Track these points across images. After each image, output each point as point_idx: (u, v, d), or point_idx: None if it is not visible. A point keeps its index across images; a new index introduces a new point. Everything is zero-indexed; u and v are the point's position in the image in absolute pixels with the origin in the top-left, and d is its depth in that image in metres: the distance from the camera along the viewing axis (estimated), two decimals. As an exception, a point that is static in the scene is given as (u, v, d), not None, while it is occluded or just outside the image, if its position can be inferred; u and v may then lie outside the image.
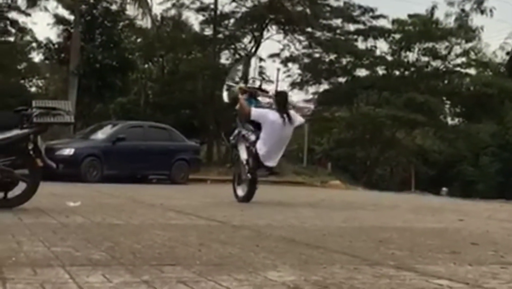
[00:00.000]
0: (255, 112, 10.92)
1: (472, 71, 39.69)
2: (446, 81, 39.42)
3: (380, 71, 38.53)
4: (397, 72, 38.62)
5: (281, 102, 11.01)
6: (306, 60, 36.35)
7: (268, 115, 10.80)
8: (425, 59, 37.71)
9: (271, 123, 10.68)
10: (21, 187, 7.78)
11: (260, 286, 3.48)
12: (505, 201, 18.40)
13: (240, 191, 11.18)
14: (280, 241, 5.60)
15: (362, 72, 38.29)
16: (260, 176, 11.07)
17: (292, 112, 11.19)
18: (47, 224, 6.23)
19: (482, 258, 4.90)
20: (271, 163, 10.91)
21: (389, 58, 37.78)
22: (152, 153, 20.20)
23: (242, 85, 11.89)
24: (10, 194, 7.75)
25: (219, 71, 32.89)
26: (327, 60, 36.24)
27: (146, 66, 36.85)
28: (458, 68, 38.59)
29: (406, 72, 38.28)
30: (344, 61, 36.63)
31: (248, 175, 10.76)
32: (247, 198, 10.83)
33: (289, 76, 37.62)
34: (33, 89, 37.62)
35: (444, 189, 27.40)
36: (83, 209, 8.10)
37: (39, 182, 7.85)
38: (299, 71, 37.23)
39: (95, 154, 19.21)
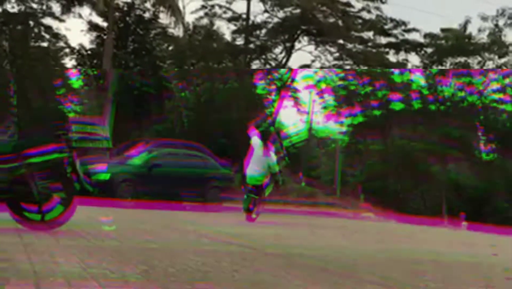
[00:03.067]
0: (253, 141, 14.09)
1: (509, 107, 39.31)
2: (482, 117, 39.08)
3: (416, 104, 38.33)
4: (433, 106, 38.38)
5: (265, 140, 14.10)
6: (342, 92, 36.35)
7: (256, 146, 13.93)
8: (461, 94, 37.46)
9: (255, 151, 13.88)
10: (59, 209, 7.88)
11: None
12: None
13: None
14: (312, 269, 5.62)
15: (397, 105, 38.11)
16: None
17: (273, 154, 13.91)
18: (83, 246, 6.32)
19: (516, 292, 4.87)
20: (250, 173, 13.91)
21: (425, 91, 37.56)
22: (186, 179, 20.26)
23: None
24: (48, 216, 7.84)
25: (254, 98, 33.05)
26: (362, 92, 36.18)
27: (182, 94, 37.09)
28: (494, 104, 38.23)
29: (442, 107, 38.04)
30: (380, 93, 36.53)
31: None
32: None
33: (325, 108, 37.66)
34: (71, 115, 37.99)
35: (464, 223, 27.10)
36: (118, 232, 8.19)
37: (76, 205, 7.95)
38: (334, 103, 37.23)
39: (130, 180, 19.36)
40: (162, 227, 10.47)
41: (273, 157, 13.90)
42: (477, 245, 10.90)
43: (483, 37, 36.70)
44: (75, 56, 31.62)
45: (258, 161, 13.74)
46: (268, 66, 34.74)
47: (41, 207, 7.70)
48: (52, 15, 32.28)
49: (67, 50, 34.07)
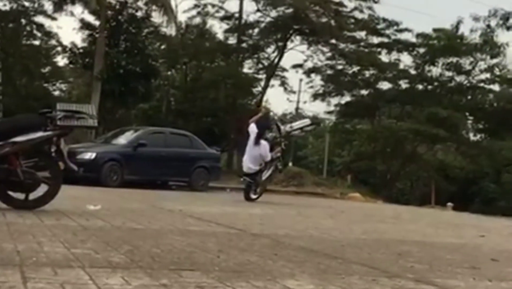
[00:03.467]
0: (251, 128, 14.73)
1: (496, 87, 39.42)
2: (469, 97, 39.18)
3: (403, 84, 38.39)
4: (420, 86, 38.45)
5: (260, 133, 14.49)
6: (329, 72, 36.37)
7: (251, 136, 14.51)
8: (449, 74, 37.54)
9: (250, 142, 14.48)
10: (42, 189, 7.82)
11: (279, 294, 3.48)
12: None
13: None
14: (299, 250, 5.59)
15: (385, 85, 38.20)
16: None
17: (263, 143, 14.35)
18: (67, 226, 6.26)
19: (502, 274, 4.86)
20: (246, 166, 14.50)
21: (413, 72, 37.63)
22: (172, 160, 20.25)
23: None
24: (32, 196, 7.79)
25: (242, 80, 33.02)
26: (350, 72, 36.22)
27: (169, 73, 37.02)
28: (482, 84, 38.34)
29: (429, 87, 38.11)
30: (367, 73, 36.57)
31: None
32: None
33: (311, 87, 37.70)
34: (56, 93, 37.84)
35: (449, 204, 27.32)
36: (103, 212, 8.14)
37: (61, 184, 7.89)
38: (321, 83, 37.27)
39: (116, 159, 19.28)
40: (148, 206, 10.44)
41: (265, 146, 14.37)
42: (464, 226, 10.93)
43: (475, 38, 36.82)
44: (67, 54, 31.47)
45: (251, 153, 14.47)
46: (260, 66, 34.71)
47: (25, 186, 7.64)
48: (44, 13, 32.21)
49: (59, 48, 34.04)
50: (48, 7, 31.21)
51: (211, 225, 7.56)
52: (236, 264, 4.48)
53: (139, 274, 3.75)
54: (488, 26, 36.52)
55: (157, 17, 29.44)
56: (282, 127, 15.15)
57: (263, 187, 14.88)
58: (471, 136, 43.00)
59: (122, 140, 20.59)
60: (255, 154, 14.44)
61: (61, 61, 34.77)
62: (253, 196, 14.56)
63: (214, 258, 4.64)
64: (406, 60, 37.45)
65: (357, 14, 33.93)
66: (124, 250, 4.75)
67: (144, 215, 8.27)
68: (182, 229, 6.76)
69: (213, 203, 13.26)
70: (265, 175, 14.57)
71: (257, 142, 14.45)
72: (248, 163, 14.52)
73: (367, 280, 4.10)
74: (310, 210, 12.88)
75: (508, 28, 36.26)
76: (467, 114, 39.38)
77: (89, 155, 19.03)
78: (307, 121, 16.02)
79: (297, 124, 15.82)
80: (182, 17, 42.22)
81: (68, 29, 66.97)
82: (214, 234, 6.49)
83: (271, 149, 14.61)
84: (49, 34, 33.89)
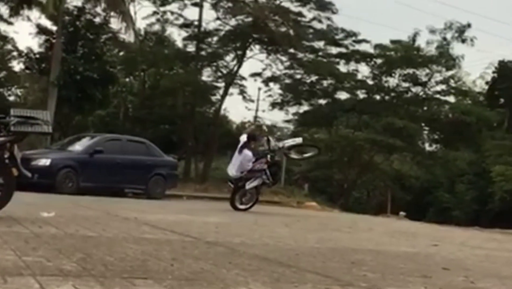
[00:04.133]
0: (241, 137, 15.45)
1: (451, 98, 40.04)
2: (425, 108, 39.71)
3: (361, 94, 38.75)
4: (377, 97, 38.84)
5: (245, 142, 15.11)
6: (287, 81, 36.52)
7: (238, 146, 15.17)
8: (406, 85, 38.00)
9: (236, 150, 15.21)
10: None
11: (230, 302, 3.48)
12: (479, 228, 18.53)
13: None
14: (253, 259, 5.59)
15: (342, 95, 38.48)
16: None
17: (245, 152, 14.92)
18: (19, 234, 6.18)
19: (452, 283, 4.93)
20: (229, 172, 15.19)
21: (370, 82, 38.01)
22: (129, 167, 20.12)
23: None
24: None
25: (201, 88, 32.97)
26: (308, 81, 36.42)
27: (127, 79, 36.78)
28: (437, 95, 38.91)
29: (386, 97, 38.52)
30: (325, 83, 36.81)
31: None
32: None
33: (270, 96, 37.80)
34: (11, 98, 37.30)
35: (402, 213, 27.76)
36: (57, 220, 8.04)
37: (14, 191, 7.77)
38: (280, 91, 37.40)
39: (71, 166, 19.07)
40: (103, 214, 10.34)
41: (246, 155, 14.92)
42: (417, 236, 11.05)
43: (431, 50, 37.41)
44: (23, 59, 31.01)
45: (234, 160, 15.18)
46: (219, 74, 34.67)
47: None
48: (0, 17, 31.60)
49: (14, 53, 33.49)
50: (4, 11, 30.74)
51: (166, 233, 7.53)
52: (190, 272, 4.46)
53: (90, 282, 3.72)
54: (444, 38, 37.17)
55: (115, 23, 29.21)
56: (272, 142, 15.37)
57: (252, 198, 15.18)
58: (427, 146, 43.59)
59: (78, 146, 20.38)
60: (237, 161, 15.02)
61: (17, 66, 34.30)
62: (240, 206, 14.90)
63: (167, 266, 4.62)
64: (363, 70, 37.82)
65: (315, 24, 34.14)
66: (77, 258, 4.70)
67: (99, 223, 8.20)
68: (136, 237, 6.72)
69: (169, 211, 13.19)
70: (250, 184, 14.85)
71: (240, 151, 15.04)
72: (231, 168, 15.15)
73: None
74: (266, 219, 12.89)
75: (463, 41, 36.94)
76: (423, 124, 39.93)
77: (44, 162, 18.82)
78: (299, 140, 16.23)
79: (289, 141, 16.03)
80: (141, 24, 42.00)
81: (25, 34, 66.06)
82: (168, 242, 6.46)
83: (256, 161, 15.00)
84: (5, 39, 33.41)
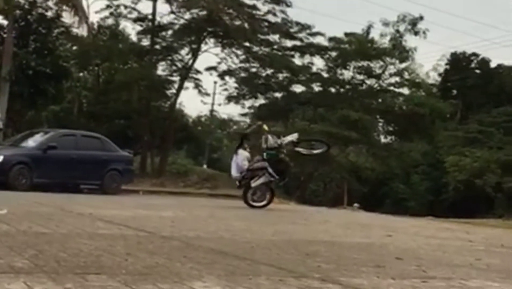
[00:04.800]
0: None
1: (405, 90, 40.48)
2: (380, 100, 40.07)
3: (316, 87, 38.93)
4: (332, 89, 39.07)
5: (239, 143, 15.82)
6: (243, 74, 36.50)
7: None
8: (360, 77, 38.29)
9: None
10: None
11: (184, 296, 3.48)
12: (433, 218, 18.78)
13: None
14: (208, 252, 5.59)
15: (298, 88, 38.61)
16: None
17: (240, 152, 15.36)
18: (-30, 231, 6.08)
19: (405, 272, 4.99)
20: (232, 173, 15.64)
21: (325, 75, 38.21)
22: (84, 163, 19.91)
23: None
24: None
25: (156, 82, 32.76)
26: (263, 75, 36.44)
27: (81, 74, 36.37)
28: (391, 87, 39.29)
29: (342, 90, 38.77)
30: (280, 76, 36.88)
31: None
32: None
33: (225, 89, 37.75)
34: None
35: (356, 204, 28.10)
36: (9, 217, 7.93)
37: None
38: (235, 85, 37.37)
39: (24, 162, 18.81)
40: (57, 210, 10.24)
41: (241, 155, 15.33)
42: (372, 227, 11.16)
43: (385, 42, 37.73)
44: None
45: (232, 161, 15.64)
46: (174, 68, 34.46)
47: None
48: None
49: None
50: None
51: (121, 228, 7.48)
52: (144, 267, 4.44)
53: (42, 279, 3.68)
54: (397, 31, 37.53)
55: (68, 17, 28.80)
56: (271, 140, 15.34)
57: (263, 195, 15.40)
58: (382, 138, 44.05)
59: (32, 142, 20.10)
60: (234, 162, 15.44)
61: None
62: (255, 204, 15.14)
63: (121, 261, 4.59)
64: (318, 63, 37.98)
65: (270, 18, 34.12)
66: (29, 254, 4.65)
67: (52, 219, 8.11)
68: (90, 233, 6.66)
69: (124, 206, 13.11)
70: (255, 183, 15.04)
71: (236, 151, 15.62)
72: (232, 169, 15.58)
73: (274, 281, 4.14)
74: (223, 212, 12.90)
75: (416, 33, 37.34)
76: (377, 116, 40.30)
77: (-4, 158, 18.52)
78: (295, 135, 16.18)
79: (288, 138, 15.97)
80: (94, 18, 41.62)
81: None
82: (123, 237, 6.42)
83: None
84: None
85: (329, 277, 4.42)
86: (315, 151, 16.89)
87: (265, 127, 15.88)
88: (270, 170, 15.04)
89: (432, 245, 7.85)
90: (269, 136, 15.50)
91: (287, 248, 6.38)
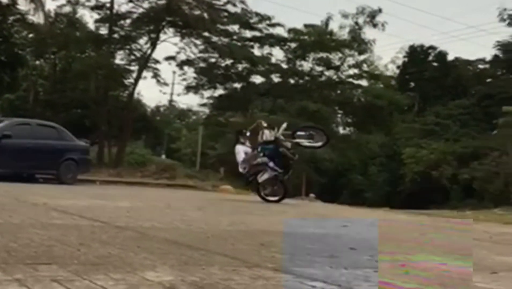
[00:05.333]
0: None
1: (364, 82, 40.82)
2: (338, 91, 40.35)
3: (275, 78, 39.04)
4: (292, 80, 39.23)
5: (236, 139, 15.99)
6: (202, 64, 36.41)
7: None
8: (319, 68, 38.51)
9: None
10: None
11: (136, 286, 3.46)
12: (389, 209, 19.01)
13: None
14: (162, 242, 5.57)
15: (257, 79, 38.68)
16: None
17: (236, 147, 15.55)
18: None
19: (358, 262, 5.04)
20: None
21: (284, 66, 38.32)
22: (39, 152, 19.65)
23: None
24: None
25: (114, 71, 32.46)
26: (223, 65, 36.41)
27: (37, 62, 35.86)
28: (350, 79, 39.59)
29: (301, 81, 38.94)
30: (240, 67, 36.88)
31: None
32: None
33: (184, 79, 37.62)
34: None
35: (312, 195, 28.34)
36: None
37: None
38: (194, 75, 37.26)
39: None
40: (11, 200, 10.10)
41: (236, 149, 15.59)
42: (329, 217, 11.25)
43: (344, 34, 37.98)
44: None
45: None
46: (132, 57, 34.18)
47: None
48: None
49: None
50: None
51: (75, 218, 7.41)
52: (96, 257, 4.41)
53: (-9, 269, 3.63)
54: (356, 23, 37.82)
55: (23, 4, 28.36)
56: (267, 134, 15.30)
57: (274, 190, 15.49)
58: (340, 130, 44.34)
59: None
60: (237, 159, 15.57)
61: None
62: (269, 198, 15.32)
63: (74, 252, 4.55)
64: (278, 54, 38.11)
65: (230, 8, 34.07)
66: (-22, 245, 4.58)
67: (5, 209, 7.99)
68: (44, 223, 6.58)
69: (80, 196, 12.99)
70: (261, 178, 15.16)
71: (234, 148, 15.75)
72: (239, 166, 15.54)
73: (227, 270, 4.14)
74: (180, 203, 12.87)
75: (374, 26, 37.67)
76: (336, 108, 40.58)
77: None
78: (284, 125, 15.98)
79: (280, 129, 15.80)
80: (51, 5, 40.98)
81: None
82: (77, 227, 6.37)
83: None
84: None
85: (282, 267, 4.44)
86: (316, 144, 16.18)
87: (263, 123, 15.83)
88: (271, 164, 15.04)
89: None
90: (266, 131, 15.41)
91: (243, 238, 6.39)
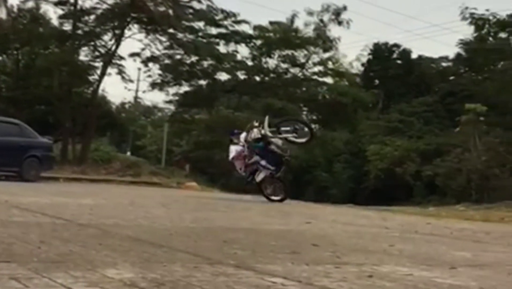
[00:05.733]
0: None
1: (329, 80, 41.06)
2: (304, 89, 40.53)
3: (241, 75, 39.09)
4: (257, 78, 39.31)
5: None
6: (167, 61, 36.29)
7: None
8: (284, 66, 38.63)
9: None
10: None
11: (96, 283, 3.44)
12: (353, 205, 19.14)
13: None
14: (125, 240, 5.55)
15: (223, 76, 38.69)
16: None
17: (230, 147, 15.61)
18: None
19: (319, 258, 5.08)
20: None
21: (250, 63, 38.38)
22: (1, 149, 19.41)
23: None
24: None
25: (78, 67, 32.19)
26: (188, 62, 36.32)
27: (-1, 58, 35.45)
28: (315, 77, 39.79)
29: (266, 78, 39.04)
30: (205, 63, 36.84)
31: None
32: None
33: (149, 76, 37.46)
34: None
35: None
36: None
37: None
38: (159, 72, 37.13)
39: None
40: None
41: (230, 149, 15.65)
42: (293, 214, 11.29)
43: (309, 31, 38.13)
44: None
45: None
46: (97, 53, 33.89)
47: None
48: None
49: None
50: None
51: (37, 216, 7.35)
52: (57, 254, 4.38)
53: None
54: (321, 20, 38.02)
55: (-15, -1, 27.97)
56: (255, 133, 15.31)
57: (275, 189, 15.69)
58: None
59: None
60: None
61: None
62: (273, 198, 15.52)
63: (34, 249, 4.52)
64: (243, 51, 38.16)
65: (195, 5, 34.04)
66: None
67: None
68: (4, 220, 6.51)
69: (43, 193, 12.86)
70: (258, 177, 15.38)
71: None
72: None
73: (189, 268, 4.14)
74: (144, 200, 12.83)
75: (339, 23, 37.90)
76: (301, 105, 40.77)
77: None
78: (266, 118, 15.89)
79: (265, 125, 15.62)
80: (14, 1, 40.35)
81: None
82: (38, 225, 6.31)
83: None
84: None
85: (244, 263, 4.46)
86: (299, 140, 15.94)
87: (255, 122, 15.75)
88: (263, 162, 15.14)
89: (349, 232, 8.00)
90: (254, 129, 15.40)
91: (206, 235, 6.40)
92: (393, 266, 4.86)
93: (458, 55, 47.88)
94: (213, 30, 36.30)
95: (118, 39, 33.18)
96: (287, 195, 15.74)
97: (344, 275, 4.21)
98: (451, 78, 49.53)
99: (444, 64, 52.20)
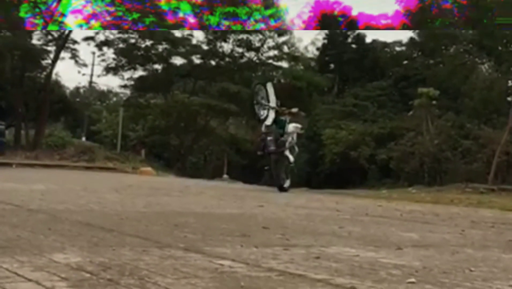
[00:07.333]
0: None
1: (284, 64, 41.15)
2: (259, 73, 40.55)
3: (196, 60, 38.95)
4: (212, 62, 39.22)
5: None
6: (121, 45, 35.97)
7: None
8: (240, 50, 38.59)
9: None
10: None
11: (41, 268, 3.43)
12: (308, 189, 19.30)
13: None
14: (75, 225, 5.53)
15: (178, 60, 38.51)
16: None
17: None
18: None
19: (269, 241, 5.13)
20: None
21: (205, 47, 38.25)
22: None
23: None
24: None
25: (30, 52, 31.73)
26: (143, 46, 36.07)
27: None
28: (271, 61, 39.85)
29: (222, 62, 38.97)
30: (160, 48, 36.63)
31: None
32: None
33: (103, 60, 37.10)
34: None
35: (225, 176, 28.59)
36: None
37: None
38: (114, 56, 36.79)
39: None
40: None
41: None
42: (246, 198, 11.35)
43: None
44: None
45: None
46: (50, 37, 33.36)
47: None
48: None
49: None
50: None
51: (-15, 202, 7.27)
52: (4, 240, 4.35)
53: None
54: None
55: None
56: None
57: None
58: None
59: None
60: None
61: None
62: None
63: (-20, 236, 4.48)
64: (198, 35, 37.98)
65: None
66: None
67: None
68: (-50, 207, 6.45)
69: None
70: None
71: None
72: None
73: (137, 251, 4.15)
74: (97, 185, 12.76)
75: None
76: (257, 89, 40.73)
77: None
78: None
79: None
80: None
81: None
82: (-14, 211, 6.25)
83: None
84: None
85: (193, 246, 4.48)
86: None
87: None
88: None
89: (300, 215, 8.07)
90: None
91: (157, 219, 6.40)
92: (341, 247, 4.94)
93: (411, 40, 48.41)
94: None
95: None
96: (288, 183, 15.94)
97: (291, 256, 4.27)
98: (405, 62, 50.10)
99: (397, 48, 52.78)
